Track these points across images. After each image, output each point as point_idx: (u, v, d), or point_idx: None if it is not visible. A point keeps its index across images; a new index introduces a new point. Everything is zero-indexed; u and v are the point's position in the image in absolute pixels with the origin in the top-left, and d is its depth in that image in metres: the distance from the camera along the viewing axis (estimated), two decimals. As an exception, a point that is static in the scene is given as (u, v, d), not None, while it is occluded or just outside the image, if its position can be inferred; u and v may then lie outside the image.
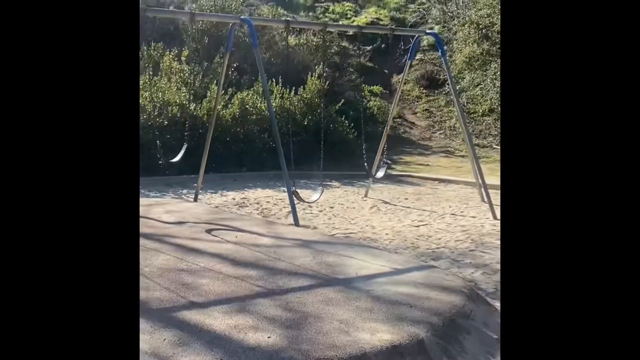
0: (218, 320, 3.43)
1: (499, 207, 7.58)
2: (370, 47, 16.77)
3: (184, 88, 10.86)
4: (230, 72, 11.55)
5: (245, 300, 3.81)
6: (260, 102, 11.21)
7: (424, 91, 16.15)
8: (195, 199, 8.07)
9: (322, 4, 18.11)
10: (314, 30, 14.38)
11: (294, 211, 6.52)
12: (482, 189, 7.95)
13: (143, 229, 5.92)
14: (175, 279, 4.23)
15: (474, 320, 3.74)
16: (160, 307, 3.64)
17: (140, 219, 6.29)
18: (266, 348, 3.07)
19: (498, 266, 5.25)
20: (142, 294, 3.86)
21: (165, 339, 3.14)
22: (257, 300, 3.84)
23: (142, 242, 5.28)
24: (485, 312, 3.97)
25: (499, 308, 4.20)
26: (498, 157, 12.88)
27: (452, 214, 7.68)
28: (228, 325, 3.36)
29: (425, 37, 9.39)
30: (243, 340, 3.15)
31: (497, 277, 4.93)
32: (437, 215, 7.64)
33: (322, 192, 7.30)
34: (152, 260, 4.69)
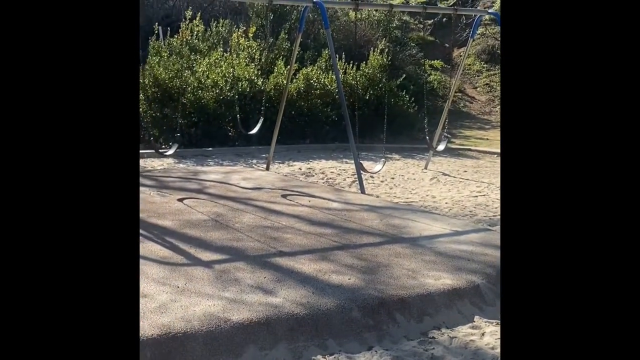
0: (305, 265, 4.18)
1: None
2: (432, 21, 17.11)
3: (252, 64, 11.63)
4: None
5: (325, 252, 4.56)
6: (324, 78, 11.87)
7: (485, 65, 16.44)
8: (267, 168, 8.88)
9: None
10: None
11: (360, 179, 7.21)
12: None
13: (227, 193, 6.76)
14: (263, 233, 5.01)
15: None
16: (256, 254, 4.43)
17: (222, 184, 7.16)
18: (348, 286, 3.81)
19: None
20: (238, 244, 4.66)
21: (265, 277, 3.92)
22: (335, 252, 4.57)
23: (229, 203, 6.11)
24: None
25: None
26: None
27: (509, 186, 8.20)
28: (314, 269, 4.11)
29: (487, 15, 9.85)
30: (328, 280, 3.91)
31: None
32: (494, 186, 8.20)
33: (384, 163, 7.97)
34: (240, 218, 5.49)
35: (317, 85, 11.54)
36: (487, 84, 15.76)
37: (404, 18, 16.67)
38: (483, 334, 3.46)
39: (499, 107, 14.82)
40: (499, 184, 8.11)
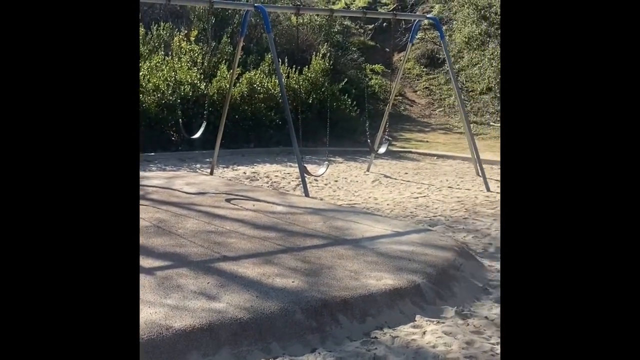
0: (249, 270, 4.18)
1: (492, 181, 8.34)
2: (372, 25, 17.34)
3: (194, 67, 11.52)
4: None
5: (269, 255, 4.55)
6: (268, 82, 11.87)
7: (424, 69, 16.79)
8: (211, 173, 8.80)
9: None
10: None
11: (304, 183, 7.24)
12: (477, 164, 8.68)
13: (170, 198, 6.67)
14: (206, 238, 4.97)
15: (463, 272, 4.50)
16: (199, 259, 4.39)
17: (165, 189, 7.06)
18: (291, 289, 3.83)
19: (488, 231, 6.00)
20: (181, 250, 4.61)
21: (209, 282, 3.89)
22: (279, 255, 4.58)
23: (172, 209, 6.02)
24: (473, 266, 4.73)
25: (486, 264, 4.95)
26: (494, 133, 13.60)
27: (449, 187, 8.42)
28: (258, 273, 4.11)
29: (425, 20, 10.06)
30: (272, 284, 3.91)
31: (487, 240, 5.68)
32: (434, 188, 8.37)
33: (328, 166, 8.03)
34: (183, 223, 5.42)
35: (260, 90, 11.54)
36: (426, 88, 16.10)
37: (345, 23, 16.85)
38: (424, 333, 3.53)
39: (439, 110, 15.15)
40: (438, 185, 8.31)
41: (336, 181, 8.82)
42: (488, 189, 8.05)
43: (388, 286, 3.93)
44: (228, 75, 10.34)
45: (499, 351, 3.36)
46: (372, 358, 3.23)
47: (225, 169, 9.62)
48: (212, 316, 3.36)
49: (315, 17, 15.30)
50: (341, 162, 10.67)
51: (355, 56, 15.76)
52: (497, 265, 4.90)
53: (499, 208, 7.04)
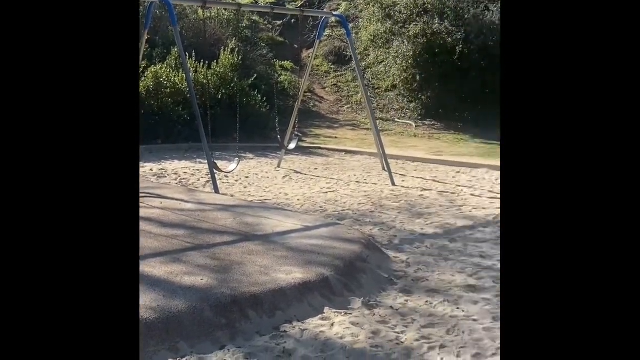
0: (156, 269, 4.08)
1: (397, 175, 8.59)
2: (281, 22, 17.36)
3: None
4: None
5: (177, 253, 4.47)
6: (175, 76, 11.61)
7: (332, 66, 17.02)
8: (116, 170, 8.48)
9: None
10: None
11: (214, 180, 7.16)
12: (383, 159, 8.91)
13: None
14: None
15: (370, 263, 4.61)
16: (103, 259, 4.23)
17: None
18: (200, 287, 3.78)
19: (394, 224, 6.18)
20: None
21: (113, 283, 3.75)
22: (187, 253, 4.51)
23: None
24: (379, 258, 4.86)
25: (391, 256, 5.10)
26: (399, 130, 13.99)
27: (356, 182, 8.59)
28: (165, 272, 4.02)
29: (332, 17, 10.19)
30: (180, 282, 3.84)
31: (392, 232, 5.85)
32: (343, 182, 8.52)
33: (239, 162, 7.98)
34: (85, 223, 5.20)
35: (167, 84, 11.27)
36: (335, 85, 16.33)
37: (254, 18, 16.76)
38: (332, 325, 3.60)
39: (347, 106, 15.39)
40: (347, 180, 8.47)
41: (247, 177, 8.79)
42: (393, 184, 8.30)
43: (297, 280, 3.97)
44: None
45: (404, 340, 3.48)
46: (282, 352, 3.25)
47: (130, 166, 9.31)
48: (117, 317, 3.24)
49: (223, 11, 15.10)
50: (252, 158, 10.63)
51: (265, 52, 15.74)
52: (402, 256, 5.06)
53: (403, 201, 7.28)
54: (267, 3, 17.07)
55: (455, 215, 6.58)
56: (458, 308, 3.93)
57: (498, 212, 6.69)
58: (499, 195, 8.07)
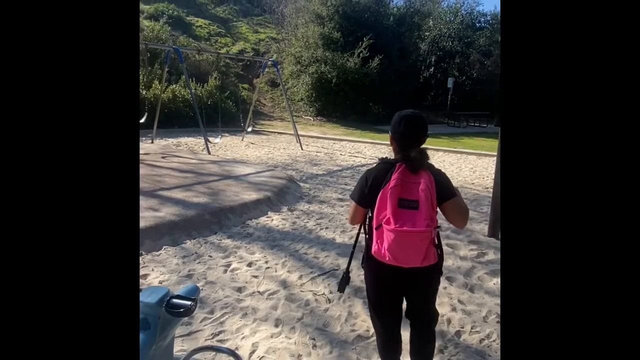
0: (177, 194, 4.91)
1: (305, 145, 8.62)
2: (242, 63, 16.57)
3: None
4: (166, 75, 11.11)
5: (189, 186, 5.28)
6: (184, 92, 11.06)
7: (270, 88, 16.75)
8: (152, 142, 8.18)
9: (213, 37, 17.20)
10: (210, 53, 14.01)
11: (207, 147, 7.40)
12: (297, 137, 9.03)
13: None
14: (151, 178, 4.93)
15: (290, 189, 4.84)
16: (147, 190, 4.20)
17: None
18: (202, 203, 4.41)
19: (302, 169, 6.78)
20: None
21: (153, 202, 3.82)
22: (194, 186, 5.34)
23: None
24: (295, 187, 5.34)
25: (302, 185, 5.43)
26: (304, 122, 14.23)
27: (283, 148, 8.98)
28: (183, 196, 4.77)
29: (269, 62, 9.95)
30: (191, 201, 4.37)
31: (302, 174, 6.39)
32: (275, 149, 8.82)
33: (221, 138, 7.99)
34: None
35: (179, 96, 11.88)
36: (271, 97, 16.46)
37: (227, 60, 16.87)
38: (272, 220, 4.02)
39: (277, 109, 15.22)
40: (278, 147, 8.63)
41: (225, 146, 8.72)
42: (302, 149, 8.57)
43: (254, 198, 4.28)
44: (159, 87, 9.36)
45: (308, 225, 3.73)
46: (247, 234, 3.45)
47: (160, 140, 9.03)
48: (157, 220, 3.30)
49: (210, 56, 14.22)
50: (227, 136, 10.70)
51: (233, 79, 15.11)
52: (306, 185, 5.47)
53: (307, 158, 7.51)
54: (235, 53, 16.16)
55: (332, 164, 7.00)
56: (334, 209, 4.23)
57: (355, 162, 6.95)
58: (356, 154, 8.49)
